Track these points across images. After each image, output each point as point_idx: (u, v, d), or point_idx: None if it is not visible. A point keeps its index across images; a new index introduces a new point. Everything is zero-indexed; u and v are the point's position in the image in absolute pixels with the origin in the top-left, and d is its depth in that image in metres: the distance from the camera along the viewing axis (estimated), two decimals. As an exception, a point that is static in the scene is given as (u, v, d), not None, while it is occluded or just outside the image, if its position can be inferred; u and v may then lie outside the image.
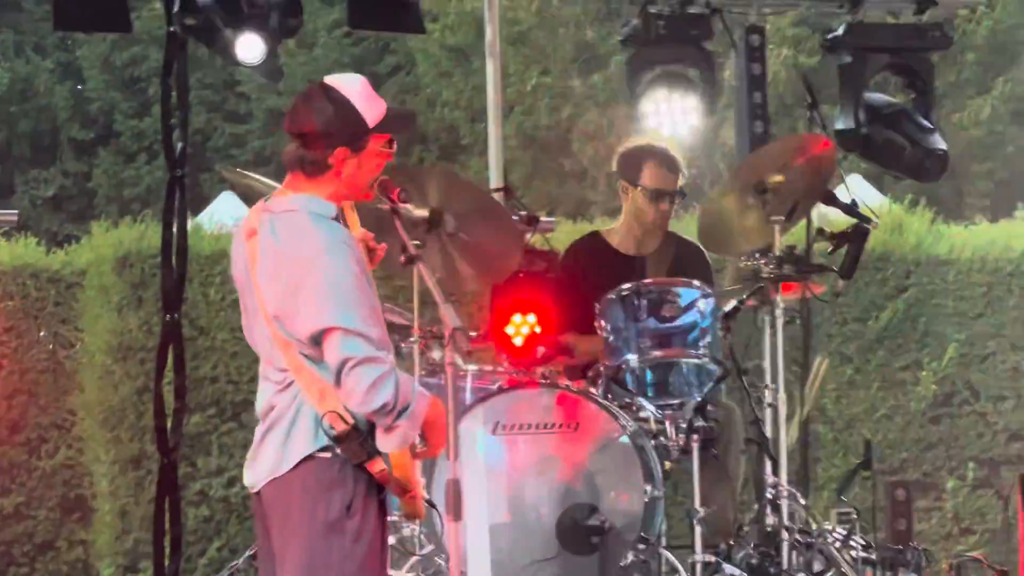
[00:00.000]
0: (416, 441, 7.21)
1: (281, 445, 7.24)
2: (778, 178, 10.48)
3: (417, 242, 9.15)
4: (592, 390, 10.09)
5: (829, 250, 10.79)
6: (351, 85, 7.48)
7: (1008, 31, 24.32)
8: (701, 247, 11.14)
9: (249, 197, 11.28)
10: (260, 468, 7.31)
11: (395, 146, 7.45)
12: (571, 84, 25.74)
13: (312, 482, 7.19)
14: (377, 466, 7.12)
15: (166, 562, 11.59)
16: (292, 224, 7.39)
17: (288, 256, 7.26)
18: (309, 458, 7.18)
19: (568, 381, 10.20)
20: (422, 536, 9.88)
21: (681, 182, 11.10)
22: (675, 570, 9.75)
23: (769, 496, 10.25)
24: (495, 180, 12.90)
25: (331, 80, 7.54)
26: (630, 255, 11.13)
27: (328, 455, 7.16)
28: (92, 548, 15.88)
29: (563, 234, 12.36)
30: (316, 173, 7.43)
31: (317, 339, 7.07)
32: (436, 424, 7.26)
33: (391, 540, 10.14)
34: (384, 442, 7.11)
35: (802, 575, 10.12)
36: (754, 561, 10.10)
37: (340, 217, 7.41)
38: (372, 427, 7.10)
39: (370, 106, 7.41)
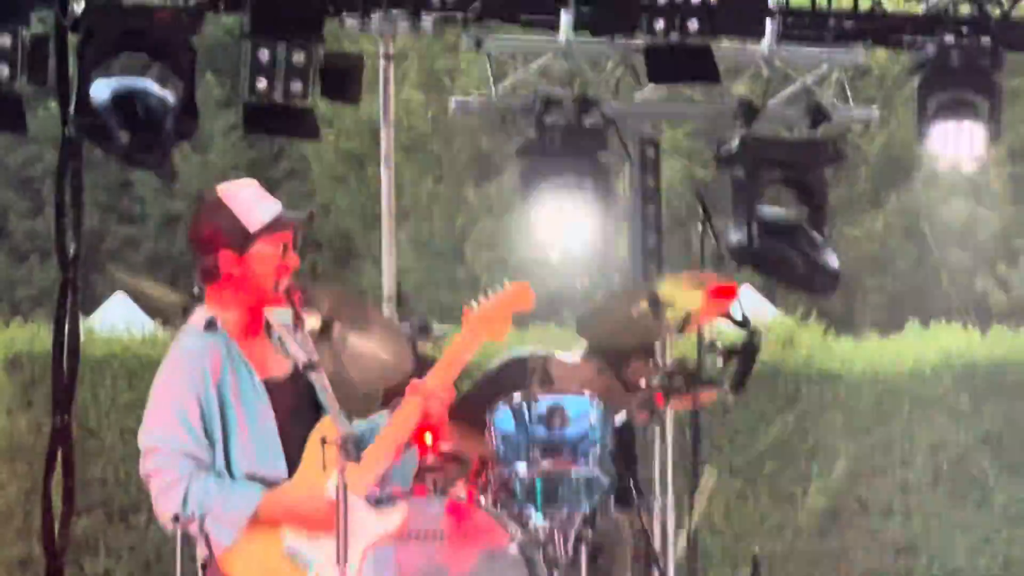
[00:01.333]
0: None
1: None
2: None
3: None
4: (482, 498, 10.12)
5: (720, 364, 10.87)
6: (238, 190, 7.61)
7: (901, 147, 24.52)
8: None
9: (140, 299, 11.32)
10: None
11: (291, 250, 7.49)
12: (465, 193, 25.82)
13: None
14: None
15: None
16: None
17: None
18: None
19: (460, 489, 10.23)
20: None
21: None
22: None
23: (659, 608, 10.30)
24: (388, 288, 12.95)
25: (221, 187, 7.62)
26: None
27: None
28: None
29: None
30: (210, 280, 7.47)
31: None
32: (289, 513, 7.26)
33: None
34: (214, 548, 7.18)
35: None
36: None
37: (213, 325, 7.42)
38: None
39: (257, 209, 7.49)
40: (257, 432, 7.36)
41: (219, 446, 7.27)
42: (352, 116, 23.21)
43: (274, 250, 7.46)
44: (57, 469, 11.88)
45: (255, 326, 7.51)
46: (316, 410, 7.54)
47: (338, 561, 7.16)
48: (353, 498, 7.18)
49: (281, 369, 7.56)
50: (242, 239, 7.40)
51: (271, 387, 7.49)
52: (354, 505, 7.21)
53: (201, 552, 7.24)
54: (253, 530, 7.21)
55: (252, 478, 7.29)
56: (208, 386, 7.27)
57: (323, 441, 7.19)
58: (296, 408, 7.55)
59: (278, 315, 7.39)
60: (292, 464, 7.39)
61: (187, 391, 7.25)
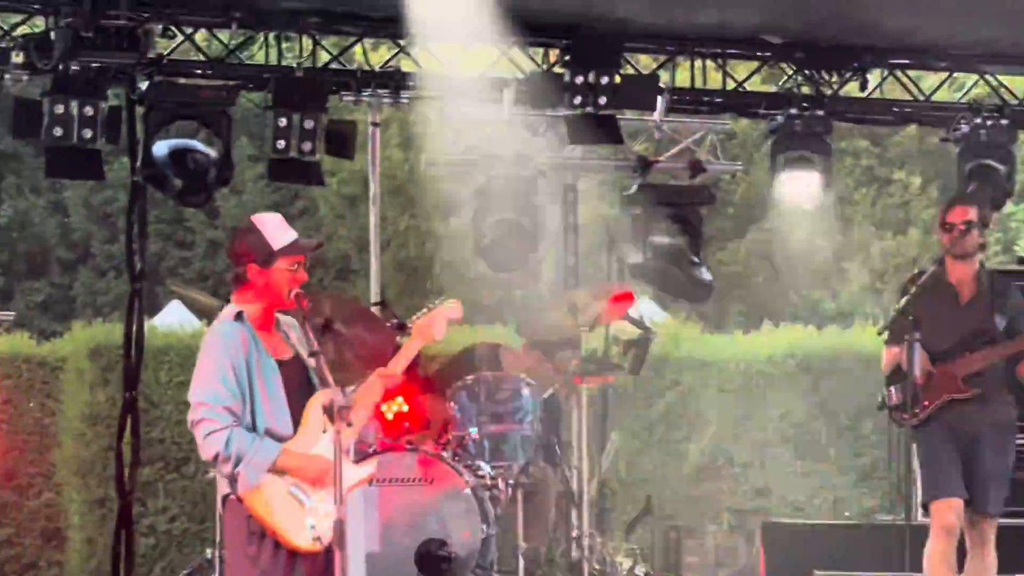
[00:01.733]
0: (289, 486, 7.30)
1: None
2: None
3: (315, 342, 9.15)
4: (444, 453, 10.10)
5: (622, 353, 10.86)
6: (267, 219, 7.74)
7: (759, 191, 24.51)
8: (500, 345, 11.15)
9: (191, 306, 11.27)
10: None
11: (302, 268, 7.60)
12: (434, 226, 25.74)
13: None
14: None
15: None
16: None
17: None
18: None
19: (428, 446, 10.21)
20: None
21: None
22: (503, 590, 9.80)
23: (574, 536, 10.28)
24: (374, 296, 12.90)
25: (255, 217, 7.78)
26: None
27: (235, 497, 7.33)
28: (65, 569, 15.72)
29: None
30: (239, 284, 7.65)
31: None
32: (297, 467, 7.31)
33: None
34: (237, 485, 7.25)
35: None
36: (562, 582, 10.16)
37: (241, 316, 7.54)
38: None
39: (279, 235, 7.62)
40: (273, 399, 7.45)
41: (247, 406, 7.36)
42: (349, 168, 23.09)
43: (290, 267, 7.59)
44: (127, 432, 11.83)
45: (268, 321, 7.66)
46: (309, 386, 7.60)
47: (335, 502, 7.18)
48: (327, 452, 7.32)
49: (285, 354, 7.66)
50: (267, 256, 7.56)
51: (284, 368, 7.59)
52: (326, 459, 7.32)
53: (222, 489, 7.36)
54: (272, 477, 7.28)
55: (268, 433, 7.37)
56: (240, 358, 7.40)
57: (325, 409, 7.26)
58: (295, 384, 7.59)
59: (284, 316, 7.70)
60: (294, 426, 7.48)
61: (225, 360, 7.39)
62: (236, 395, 7.32)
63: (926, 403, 9.72)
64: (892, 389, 9.92)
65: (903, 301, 9.83)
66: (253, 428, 7.35)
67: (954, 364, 9.74)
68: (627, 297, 10.69)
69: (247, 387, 7.38)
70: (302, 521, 7.28)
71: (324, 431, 7.37)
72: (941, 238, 9.96)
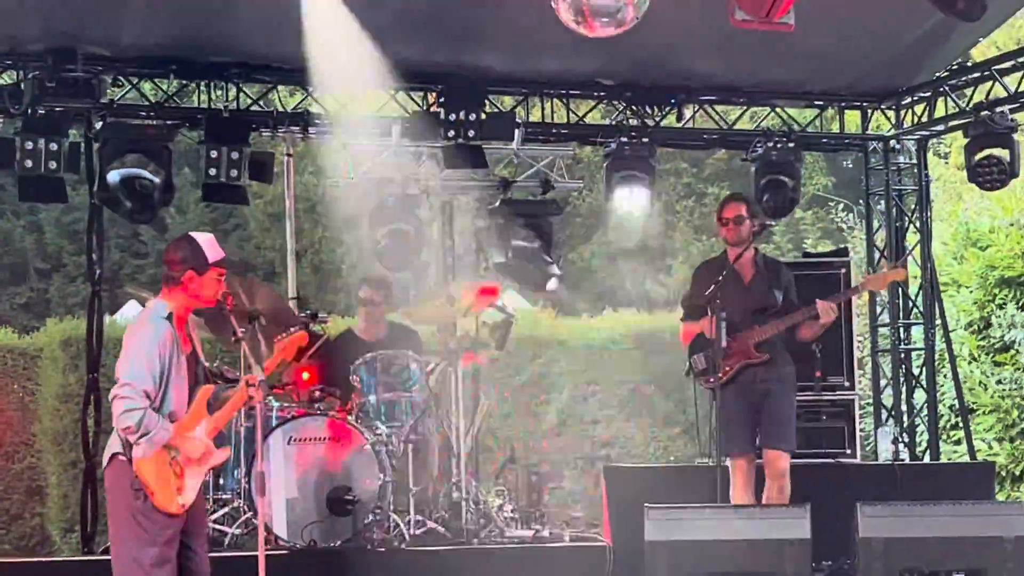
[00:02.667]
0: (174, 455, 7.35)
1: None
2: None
3: (243, 330, 9.08)
4: (349, 417, 10.06)
5: (489, 333, 10.86)
6: (203, 237, 7.66)
7: (599, 205, 24.61)
8: (413, 328, 11.11)
9: (144, 305, 11.14)
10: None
11: (223, 276, 7.64)
12: (342, 237, 25.63)
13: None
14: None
15: (88, 526, 11.43)
16: (140, 315, 7.80)
17: (128, 331, 7.53)
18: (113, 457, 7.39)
19: (335, 411, 10.15)
20: (244, 506, 9.78)
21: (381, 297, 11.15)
22: (397, 525, 9.75)
23: (454, 481, 10.26)
24: (292, 292, 12.83)
25: (193, 234, 7.71)
26: (367, 339, 11.10)
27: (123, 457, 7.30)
28: (45, 518, 15.53)
29: (333, 325, 12.29)
30: (172, 285, 7.56)
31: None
32: (181, 444, 7.34)
33: (227, 508, 10.11)
34: (133, 451, 7.22)
35: (473, 527, 10.13)
36: (446, 518, 10.13)
37: (171, 317, 7.49)
38: None
39: (212, 251, 7.58)
40: (180, 388, 7.44)
41: (160, 391, 7.32)
42: (271, 191, 22.98)
43: (218, 276, 7.59)
44: (91, 407, 11.70)
45: (184, 319, 7.62)
46: (198, 376, 7.63)
47: (258, 457, 7.15)
48: (203, 436, 7.49)
49: (187, 348, 7.62)
50: (203, 265, 7.51)
51: (188, 361, 7.57)
52: (202, 441, 7.47)
53: (112, 447, 7.39)
54: (160, 451, 7.31)
55: (172, 416, 7.38)
56: (165, 353, 7.34)
57: (208, 402, 7.53)
58: (194, 375, 7.60)
59: (192, 316, 7.79)
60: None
61: (154, 352, 7.32)
62: (155, 382, 7.27)
63: (727, 368, 9.85)
64: (696, 357, 10.06)
65: (696, 286, 10.13)
66: (160, 409, 7.32)
67: (746, 335, 9.87)
68: (492, 291, 10.69)
69: (165, 377, 7.34)
70: (172, 491, 7.31)
71: (203, 420, 7.49)
72: (720, 232, 10.16)
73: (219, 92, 12.32)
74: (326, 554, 9.40)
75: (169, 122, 12.16)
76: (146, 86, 12.55)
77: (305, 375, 10.44)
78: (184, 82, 12.54)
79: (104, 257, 12.19)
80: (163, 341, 7.36)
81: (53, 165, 11.29)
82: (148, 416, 7.20)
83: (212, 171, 12.01)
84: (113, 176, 11.63)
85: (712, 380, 9.89)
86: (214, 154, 11.98)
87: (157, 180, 11.85)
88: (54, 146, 11.28)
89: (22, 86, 11.37)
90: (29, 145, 11.25)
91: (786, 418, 9.94)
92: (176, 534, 7.36)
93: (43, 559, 12.07)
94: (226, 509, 10.06)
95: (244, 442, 9.92)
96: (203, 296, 7.58)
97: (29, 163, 11.27)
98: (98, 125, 11.62)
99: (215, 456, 7.58)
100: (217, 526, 9.93)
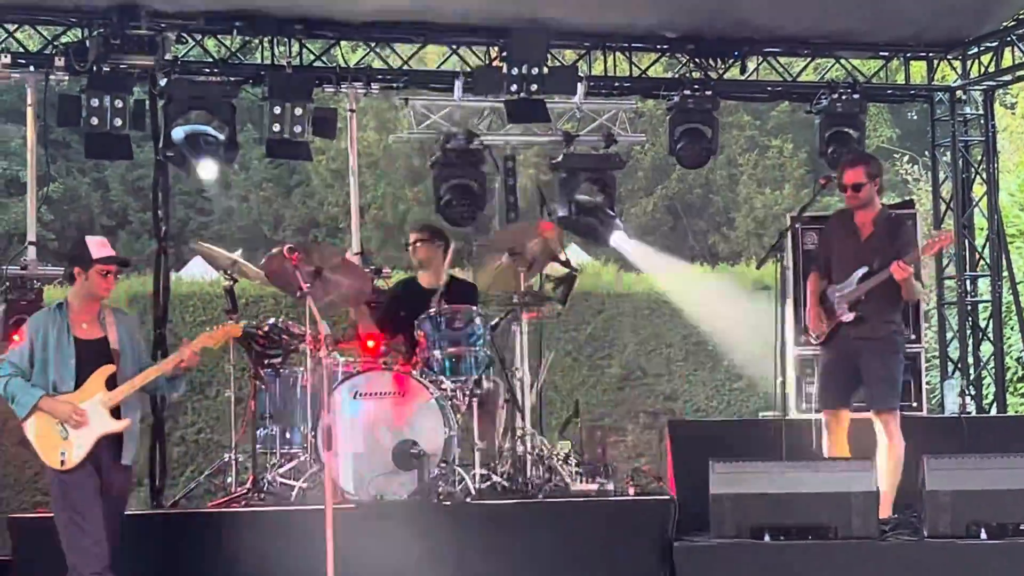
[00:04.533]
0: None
1: None
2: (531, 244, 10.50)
3: (308, 285, 9.13)
4: (414, 372, 10.08)
5: (553, 288, 10.85)
6: (92, 240, 8.50)
7: (663, 158, 24.54)
8: (472, 282, 11.09)
9: (209, 260, 11.18)
10: None
11: (108, 276, 8.35)
12: (404, 191, 25.73)
13: None
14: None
15: (157, 480, 11.54)
16: None
17: None
18: None
19: (400, 366, 10.16)
20: (312, 460, 9.84)
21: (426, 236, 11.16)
22: (463, 479, 9.78)
23: (519, 434, 10.27)
24: (356, 248, 12.87)
25: (86, 237, 8.57)
26: (427, 287, 11.09)
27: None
28: (114, 473, 15.71)
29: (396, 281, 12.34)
30: (69, 281, 8.49)
31: None
32: (51, 408, 8.15)
33: (293, 463, 10.19)
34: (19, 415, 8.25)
35: (538, 481, 10.14)
36: (512, 472, 10.15)
37: (63, 305, 8.37)
38: None
39: (97, 250, 8.36)
40: (63, 364, 8.24)
41: (37, 367, 8.25)
42: (335, 147, 23.04)
43: (102, 272, 8.33)
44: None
45: (87, 310, 8.39)
46: (106, 358, 8.28)
47: (324, 411, 7.19)
48: (100, 406, 8.19)
49: (96, 335, 8.36)
50: (87, 263, 8.34)
51: (82, 343, 8.30)
52: (100, 410, 8.18)
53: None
54: (40, 414, 8.17)
55: (54, 386, 8.20)
56: (40, 334, 8.30)
57: (108, 381, 8.22)
58: (94, 356, 8.28)
59: (113, 309, 8.56)
60: (80, 384, 8.23)
61: (30, 334, 8.35)
62: (25, 358, 8.25)
63: (825, 327, 9.86)
64: (805, 314, 10.17)
65: (821, 236, 10.34)
66: (45, 382, 8.19)
67: (846, 293, 9.85)
68: (548, 226, 10.69)
69: (41, 354, 8.23)
70: (56, 449, 8.11)
71: (95, 394, 8.16)
72: (843, 194, 10.05)
73: (282, 48, 12.36)
74: (392, 508, 9.44)
75: (233, 78, 12.21)
76: (210, 43, 12.61)
77: (371, 343, 10.45)
78: (247, 38, 12.58)
79: (170, 214, 12.24)
80: (38, 326, 8.32)
81: (118, 122, 11.38)
82: (13, 383, 8.19)
83: (276, 127, 12.08)
84: (178, 133, 11.69)
85: (818, 336, 10.04)
86: (277, 110, 12.05)
87: (221, 136, 11.89)
88: (119, 103, 11.37)
89: (87, 44, 11.45)
90: (95, 102, 11.34)
91: (880, 377, 9.80)
92: (80, 494, 8.11)
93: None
94: (293, 463, 10.12)
95: (310, 397, 9.97)
96: (92, 289, 8.33)
97: (95, 120, 11.37)
98: (163, 82, 11.68)
99: (112, 424, 8.19)
100: (284, 480, 10.00)
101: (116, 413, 8.24)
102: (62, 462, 8.08)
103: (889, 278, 9.67)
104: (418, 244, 11.15)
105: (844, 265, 9.91)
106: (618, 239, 13.32)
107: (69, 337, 8.25)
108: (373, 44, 13.08)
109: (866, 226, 9.97)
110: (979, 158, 13.97)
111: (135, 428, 8.42)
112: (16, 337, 11.24)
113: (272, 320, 10.48)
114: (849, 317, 9.83)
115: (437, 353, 10.22)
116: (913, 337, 12.33)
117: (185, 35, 12.13)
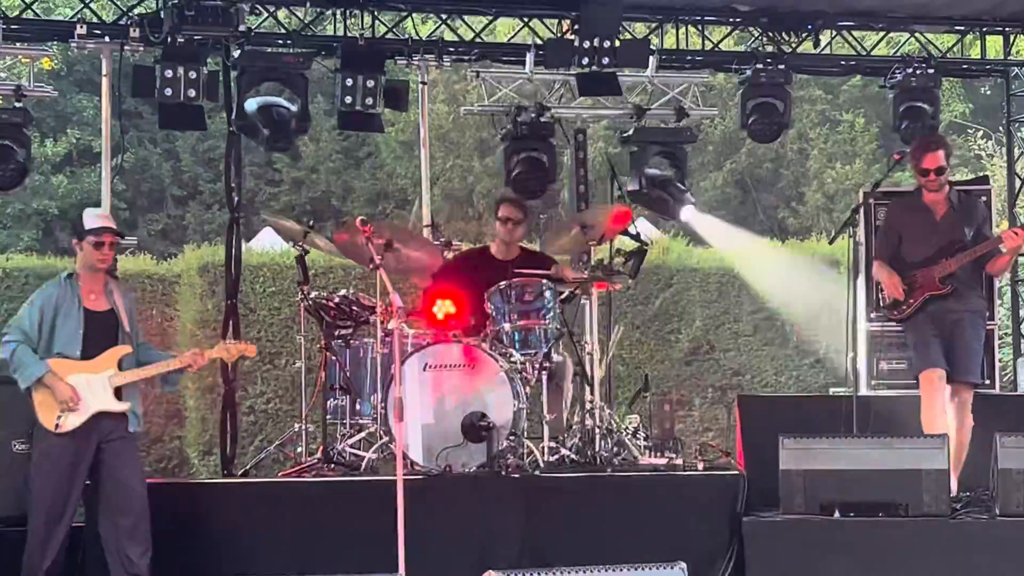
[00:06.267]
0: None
1: None
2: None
3: (379, 257, 9.14)
4: (483, 345, 10.10)
5: (623, 262, 10.82)
6: (90, 212, 8.93)
7: (732, 132, 24.42)
8: (544, 254, 11.07)
9: (279, 231, 11.24)
10: None
11: (102, 247, 8.64)
12: (473, 164, 25.70)
13: None
14: None
15: (227, 449, 11.62)
16: None
17: None
18: None
19: (470, 338, 10.17)
20: (381, 431, 9.88)
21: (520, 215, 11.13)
22: (531, 452, 9.79)
23: (588, 407, 10.28)
24: (426, 220, 12.88)
25: (86, 210, 9.05)
26: (501, 259, 11.10)
27: None
28: (184, 441, 15.89)
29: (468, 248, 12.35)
30: (74, 252, 8.82)
31: None
32: (51, 384, 8.44)
33: (363, 434, 10.24)
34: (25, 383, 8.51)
35: (606, 454, 10.15)
36: (580, 445, 10.16)
37: (72, 276, 8.67)
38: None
39: (90, 221, 8.71)
40: (70, 334, 8.52)
41: (45, 336, 8.51)
42: (404, 119, 23.07)
43: (94, 242, 8.62)
44: (230, 332, 11.86)
45: (94, 282, 8.70)
46: (114, 330, 8.65)
47: (395, 383, 7.19)
48: (107, 383, 8.56)
49: (100, 306, 8.68)
50: (82, 234, 8.67)
51: (91, 314, 8.61)
52: (106, 387, 8.55)
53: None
54: (43, 385, 8.45)
55: (59, 354, 8.47)
56: (50, 304, 8.56)
57: (120, 363, 8.58)
58: (103, 327, 8.62)
59: (119, 282, 8.97)
60: (87, 355, 8.54)
61: (38, 303, 8.59)
62: (34, 326, 8.47)
63: (911, 301, 9.84)
64: (883, 292, 10.13)
65: (886, 221, 10.39)
66: (49, 349, 8.47)
67: (932, 269, 9.86)
68: (626, 215, 10.64)
69: (50, 323, 8.48)
70: (54, 412, 8.41)
71: (106, 371, 8.51)
72: (918, 178, 10.05)
73: (354, 20, 12.37)
74: (461, 479, 9.47)
75: (305, 50, 12.23)
76: (282, 14, 12.64)
77: (443, 306, 10.46)
78: (319, 10, 12.60)
79: (242, 185, 12.30)
80: (46, 296, 8.56)
81: (192, 93, 11.41)
82: (19, 351, 8.45)
83: (347, 99, 12.09)
84: (250, 104, 11.71)
85: (896, 313, 10.08)
86: (349, 82, 12.05)
87: (293, 108, 11.91)
88: (193, 74, 11.39)
89: (162, 15, 11.48)
90: (169, 73, 11.38)
91: (973, 350, 9.96)
92: (74, 463, 8.44)
93: (185, 480, 12.32)
94: (363, 434, 10.17)
95: (380, 368, 10.01)
96: (88, 259, 8.63)
97: (169, 91, 11.41)
98: (236, 53, 11.70)
99: (114, 404, 8.54)
100: (354, 451, 10.05)
101: (118, 393, 8.61)
102: (57, 424, 8.41)
103: (986, 251, 9.81)
104: (516, 220, 11.09)
105: (920, 246, 9.95)
106: (688, 213, 13.25)
107: (79, 307, 8.55)
108: (444, 16, 13.06)
109: (939, 204, 9.98)
110: (1055, 134, 13.85)
111: (138, 408, 8.78)
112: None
113: (343, 292, 10.52)
114: (944, 290, 9.85)
115: (507, 326, 10.20)
116: (987, 314, 12.25)
117: (259, 6, 12.14)
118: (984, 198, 11.85)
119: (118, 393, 8.60)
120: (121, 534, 8.47)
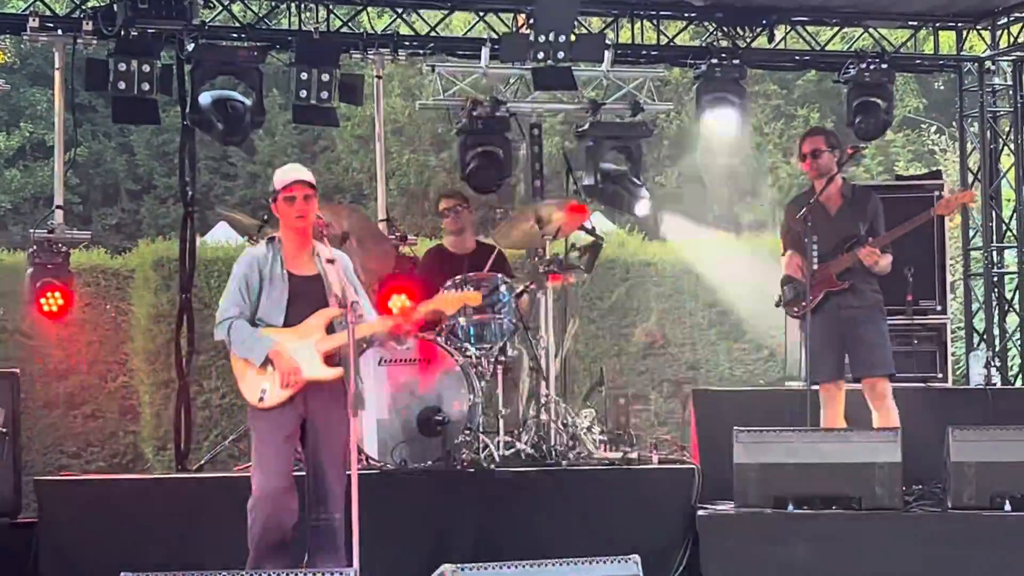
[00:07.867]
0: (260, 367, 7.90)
1: None
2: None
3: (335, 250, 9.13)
4: (439, 338, 10.10)
5: (578, 256, 10.84)
6: (281, 169, 8.20)
7: (687, 128, 24.42)
8: (499, 248, 11.09)
9: (234, 225, 11.21)
10: None
11: (295, 201, 7.96)
12: (429, 158, 25.65)
13: None
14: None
15: (182, 444, 11.58)
16: None
17: None
18: None
19: (425, 333, 10.17)
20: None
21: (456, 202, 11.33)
22: (487, 446, 9.80)
23: (543, 402, 10.29)
24: (381, 215, 12.85)
25: (278, 169, 8.26)
26: (457, 253, 11.14)
27: None
28: (139, 437, 15.77)
29: (421, 248, 12.33)
30: (273, 216, 8.29)
31: None
32: (275, 358, 7.85)
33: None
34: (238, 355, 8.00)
35: (561, 449, 10.17)
36: (535, 440, 10.17)
37: (275, 240, 8.09)
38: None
39: (281, 177, 8.05)
40: (274, 299, 7.96)
41: (252, 303, 7.96)
42: (360, 113, 22.99)
43: (286, 198, 7.97)
44: (184, 327, 11.82)
45: (299, 246, 8.05)
46: (320, 296, 7.94)
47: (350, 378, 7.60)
48: (314, 349, 7.94)
49: (306, 270, 8.03)
50: (273, 192, 8.06)
51: (297, 279, 8.00)
52: (313, 354, 7.92)
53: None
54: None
55: (262, 321, 7.96)
56: (253, 270, 7.99)
57: (330, 326, 7.95)
58: (308, 292, 7.97)
59: (324, 247, 8.07)
60: (290, 323, 7.96)
61: (240, 274, 8.02)
62: (243, 298, 7.92)
63: (811, 297, 9.88)
64: (785, 288, 10.18)
65: (785, 221, 10.41)
66: (253, 317, 7.94)
67: (828, 265, 9.91)
68: (581, 209, 10.66)
69: (256, 291, 7.94)
70: (257, 385, 7.88)
71: (315, 336, 7.91)
72: (801, 167, 10.22)
73: (309, 14, 12.36)
74: (416, 474, 9.47)
75: (260, 44, 12.20)
76: (236, 8, 12.60)
77: (398, 301, 10.47)
78: (274, 3, 12.57)
79: (196, 179, 12.24)
80: (247, 263, 8.01)
81: (146, 86, 11.36)
82: (236, 326, 7.92)
83: (302, 93, 12.05)
84: (205, 98, 11.68)
85: (797, 310, 10.13)
86: (304, 76, 12.01)
87: (248, 102, 11.87)
88: (147, 68, 11.34)
89: (115, 8, 11.42)
90: (122, 67, 11.31)
91: (875, 344, 9.95)
92: (283, 437, 7.89)
93: (138, 476, 12.23)
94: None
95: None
96: (285, 220, 8.03)
97: (122, 84, 11.35)
98: (190, 47, 11.66)
99: (315, 369, 7.91)
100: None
101: (328, 360, 7.94)
102: (261, 399, 7.85)
103: (847, 266, 9.93)
104: (457, 209, 11.22)
105: (819, 243, 9.97)
106: (643, 208, 13.27)
107: (283, 272, 7.96)
108: (400, 10, 13.05)
109: (833, 198, 10.11)
110: (1007, 129, 13.93)
111: (359, 381, 7.76)
112: (43, 300, 11.35)
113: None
114: (841, 286, 9.91)
115: (462, 320, 10.21)
116: (939, 308, 12.34)
117: (213, 0, 12.10)
118: (937, 192, 11.94)
119: (328, 360, 7.96)
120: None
